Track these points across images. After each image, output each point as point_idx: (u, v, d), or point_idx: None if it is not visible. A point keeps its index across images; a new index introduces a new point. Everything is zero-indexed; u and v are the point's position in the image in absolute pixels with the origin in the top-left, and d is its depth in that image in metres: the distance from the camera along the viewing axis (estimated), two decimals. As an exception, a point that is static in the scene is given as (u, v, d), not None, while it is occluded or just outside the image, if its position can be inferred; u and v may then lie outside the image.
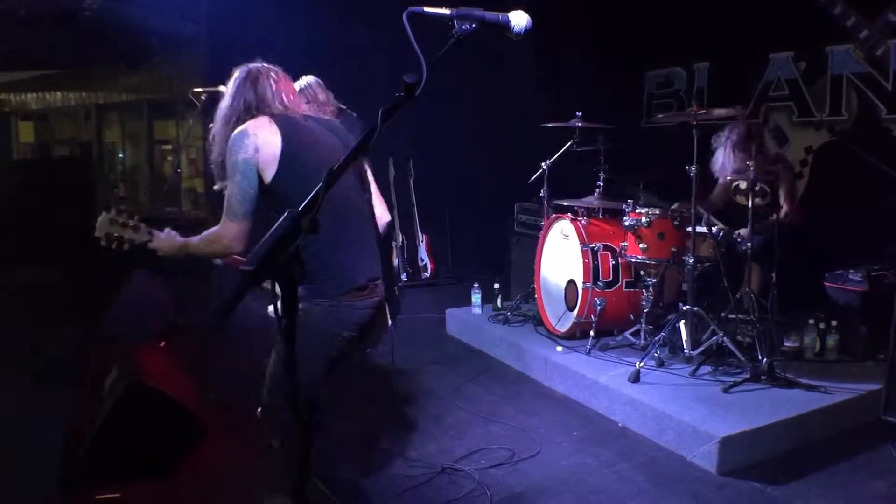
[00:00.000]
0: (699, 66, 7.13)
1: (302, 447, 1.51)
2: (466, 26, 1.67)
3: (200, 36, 7.29)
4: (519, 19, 1.75)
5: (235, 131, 2.61)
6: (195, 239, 2.69)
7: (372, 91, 6.96)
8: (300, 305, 2.34)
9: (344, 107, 5.46)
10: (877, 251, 5.13)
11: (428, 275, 7.87)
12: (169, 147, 9.67)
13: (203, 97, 5.82)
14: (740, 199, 5.41)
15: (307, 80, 5.55)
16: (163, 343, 5.03)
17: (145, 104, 10.05)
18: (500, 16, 1.74)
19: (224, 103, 2.84)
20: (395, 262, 7.82)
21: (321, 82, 5.56)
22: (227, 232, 2.62)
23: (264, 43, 6.03)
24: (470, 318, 6.27)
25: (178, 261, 2.75)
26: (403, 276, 7.79)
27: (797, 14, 5.90)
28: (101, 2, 7.05)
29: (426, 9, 1.68)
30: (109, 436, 3.41)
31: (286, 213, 1.41)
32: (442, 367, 5.42)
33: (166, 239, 2.73)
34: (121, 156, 11.26)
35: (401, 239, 7.82)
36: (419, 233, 7.87)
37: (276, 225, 1.40)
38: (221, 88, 5.75)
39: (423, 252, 7.87)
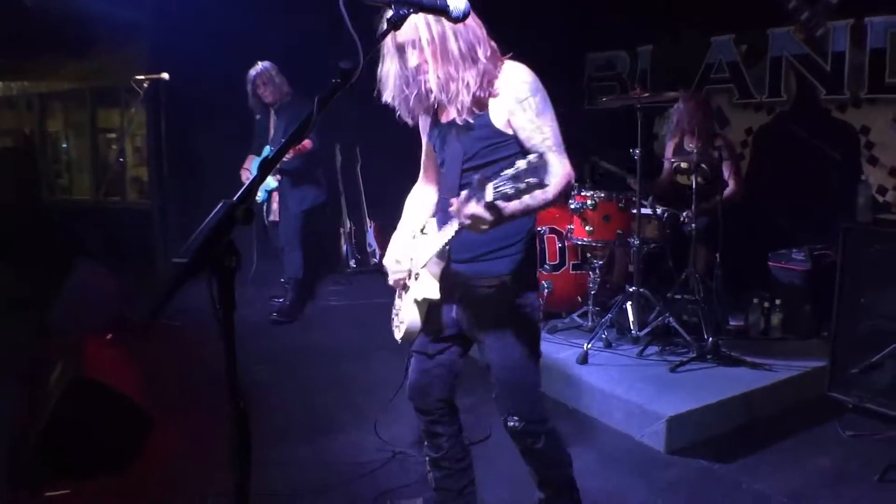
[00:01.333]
0: (642, 49, 7.16)
1: (243, 439, 1.44)
2: (403, 11, 1.66)
3: (144, 23, 7.10)
4: (457, 3, 1.74)
5: (526, 69, 2.30)
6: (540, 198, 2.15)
7: (323, 77, 6.86)
8: (518, 300, 2.43)
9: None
10: (818, 230, 5.22)
11: (377, 260, 7.79)
12: (113, 136, 9.42)
13: (146, 84, 5.69)
14: (681, 178, 5.44)
15: (262, 65, 5.76)
16: (109, 335, 4.91)
17: (88, 93, 9.79)
18: (438, 0, 1.72)
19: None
20: (344, 248, 7.74)
21: (276, 66, 5.76)
22: (568, 168, 2.29)
23: (209, 31, 5.97)
24: (419, 303, 6.21)
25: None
26: (352, 263, 7.71)
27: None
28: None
29: None
30: (56, 432, 3.33)
31: (221, 204, 1.37)
32: (391, 352, 5.31)
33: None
34: (64, 145, 10.98)
35: (349, 225, 7.74)
36: (367, 219, 7.79)
37: (211, 215, 1.35)
38: (164, 76, 5.69)
39: (371, 238, 7.79)
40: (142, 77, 5.63)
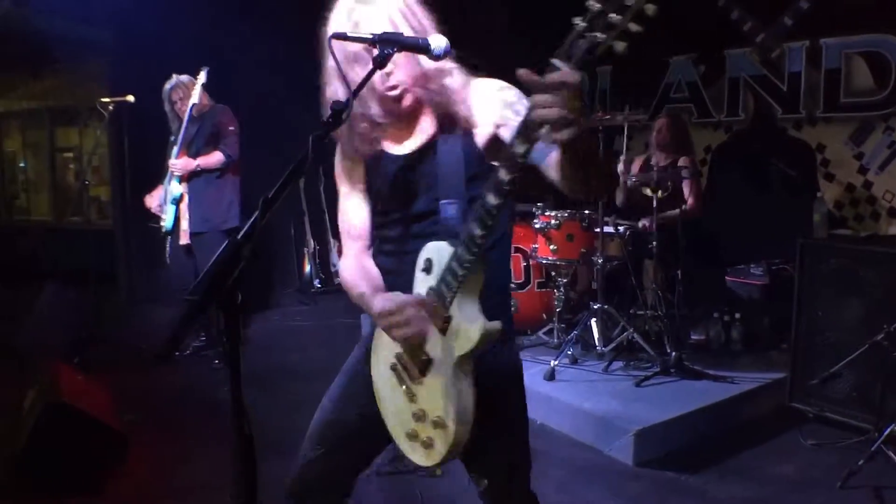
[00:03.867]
0: (601, 69, 7.28)
1: (248, 465, 1.46)
2: (388, 50, 1.68)
3: (105, 42, 7.05)
4: (438, 42, 1.77)
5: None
6: None
7: (281, 95, 6.87)
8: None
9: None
10: (776, 245, 5.34)
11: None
12: (71, 155, 9.31)
13: (111, 107, 5.63)
14: (645, 189, 5.50)
15: (178, 78, 5.43)
16: (77, 358, 4.88)
17: (46, 112, 9.67)
18: (421, 39, 1.76)
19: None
20: (308, 268, 7.72)
21: (192, 79, 5.37)
22: None
23: (170, 50, 5.95)
24: (385, 323, 6.21)
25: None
26: (317, 283, 7.69)
27: (697, 19, 6.12)
28: (5, 9, 6.74)
29: (349, 33, 1.72)
30: (32, 458, 3.37)
31: (227, 242, 1.41)
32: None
33: None
34: (22, 165, 10.81)
35: (312, 245, 7.72)
36: (331, 238, 7.78)
37: (218, 253, 1.40)
38: (129, 98, 5.63)
39: (335, 258, 7.77)
40: (107, 100, 5.57)
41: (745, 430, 4.16)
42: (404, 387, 1.85)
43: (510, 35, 6.89)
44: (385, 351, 1.91)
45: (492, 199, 1.51)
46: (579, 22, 1.30)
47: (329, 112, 1.60)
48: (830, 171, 5.40)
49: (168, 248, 5.57)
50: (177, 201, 5.42)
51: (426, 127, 1.93)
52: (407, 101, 1.87)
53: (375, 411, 1.98)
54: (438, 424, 1.73)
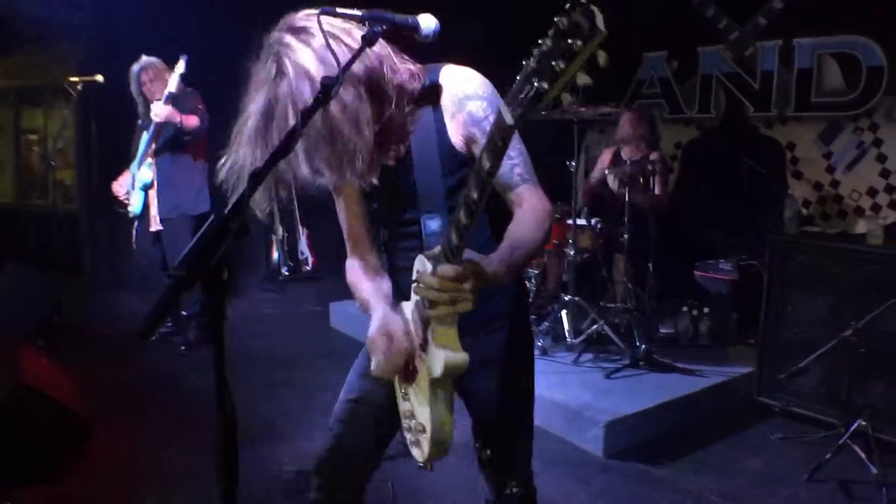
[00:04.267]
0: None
1: (230, 447, 1.42)
2: (377, 28, 1.65)
3: (77, 22, 6.89)
4: (428, 22, 1.74)
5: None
6: (525, 242, 1.69)
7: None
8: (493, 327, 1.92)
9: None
10: (744, 241, 5.41)
11: (309, 268, 7.73)
12: (36, 137, 9.08)
13: (79, 86, 5.50)
14: (614, 184, 5.52)
15: (147, 59, 5.28)
16: (41, 342, 4.78)
17: (12, 92, 9.41)
18: (410, 18, 1.73)
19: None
20: (276, 255, 7.65)
21: (161, 61, 5.27)
22: (544, 201, 1.79)
23: (142, 34, 5.81)
24: (356, 311, 6.12)
25: None
26: (284, 270, 7.62)
27: (671, 15, 6.16)
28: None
29: (339, 10, 1.67)
30: None
31: (213, 216, 1.36)
32: (329, 360, 5.33)
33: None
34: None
35: (281, 232, 7.65)
36: (300, 226, 7.72)
37: (204, 228, 1.35)
38: (98, 78, 5.50)
39: (304, 246, 7.71)
40: (76, 79, 5.44)
41: (713, 423, 4.21)
42: (402, 385, 1.90)
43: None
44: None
45: (473, 193, 1.42)
46: (529, 62, 1.22)
47: (321, 91, 1.55)
48: (799, 169, 5.48)
49: (135, 234, 5.48)
50: (146, 188, 5.33)
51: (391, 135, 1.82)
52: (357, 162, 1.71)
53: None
54: (420, 430, 1.79)
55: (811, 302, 4.14)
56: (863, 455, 3.50)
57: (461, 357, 1.64)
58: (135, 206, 5.35)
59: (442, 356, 1.63)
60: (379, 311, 1.86)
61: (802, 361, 3.95)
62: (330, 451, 2.06)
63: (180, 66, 5.02)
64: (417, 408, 1.81)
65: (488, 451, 2.02)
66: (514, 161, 1.76)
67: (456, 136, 1.78)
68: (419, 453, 1.85)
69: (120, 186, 5.41)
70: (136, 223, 5.44)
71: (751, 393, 4.38)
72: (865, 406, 3.57)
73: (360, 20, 1.66)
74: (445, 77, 1.82)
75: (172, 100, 5.08)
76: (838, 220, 5.24)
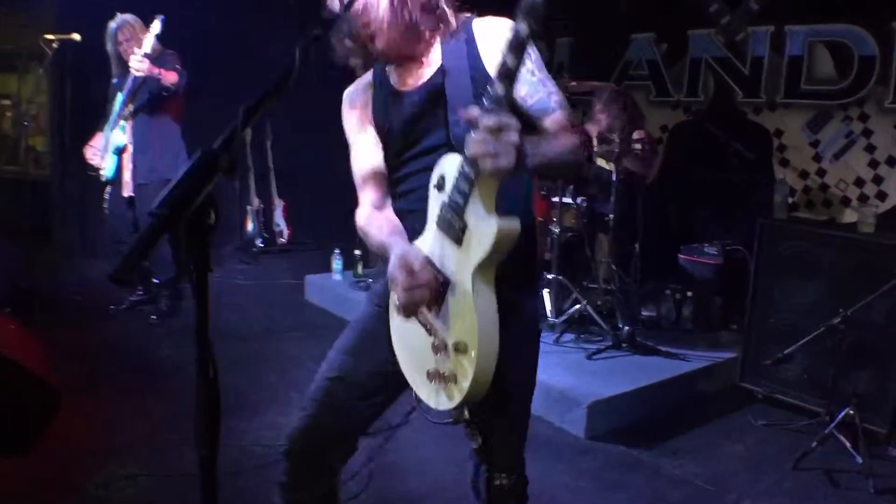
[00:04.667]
0: (561, 41, 7.19)
1: (212, 410, 1.30)
2: None
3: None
4: None
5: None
6: (558, 147, 1.69)
7: (228, 45, 6.62)
8: (508, 297, 1.69)
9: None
10: (728, 226, 5.37)
11: (284, 240, 7.60)
12: (9, 102, 8.78)
13: (55, 44, 5.27)
14: (601, 161, 5.44)
15: (123, 17, 5.06)
16: (7, 309, 4.61)
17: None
18: None
19: None
20: (251, 227, 7.49)
21: (139, 19, 5.05)
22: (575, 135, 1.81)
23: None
24: (331, 284, 6.09)
25: None
26: (259, 242, 7.48)
27: (662, -2, 6.09)
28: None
29: None
30: None
31: (199, 151, 1.23)
32: (304, 333, 5.23)
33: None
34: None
35: (256, 203, 7.50)
36: (276, 197, 7.57)
37: (190, 164, 1.21)
38: (75, 37, 5.27)
39: (279, 217, 7.58)
40: (51, 37, 5.21)
41: (696, 408, 4.18)
42: (423, 322, 1.74)
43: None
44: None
45: (499, 89, 1.47)
46: None
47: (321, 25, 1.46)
48: (786, 156, 5.43)
49: (107, 198, 5.29)
50: (119, 151, 5.13)
51: (432, 60, 1.84)
52: (379, 42, 1.77)
53: (387, 370, 1.91)
54: (460, 349, 1.63)
55: (799, 288, 4.11)
56: (848, 444, 3.48)
57: (512, 221, 1.57)
58: (107, 170, 5.16)
59: (494, 222, 1.55)
60: (397, 248, 1.76)
61: (788, 348, 3.91)
62: (302, 431, 1.98)
63: (156, 27, 4.78)
64: (452, 327, 1.66)
65: (481, 439, 1.90)
66: (551, 89, 1.78)
67: (490, 63, 1.75)
68: (454, 394, 1.68)
69: (93, 153, 5.19)
70: (108, 187, 5.25)
71: (733, 378, 4.34)
72: (853, 395, 3.53)
73: None
74: (478, 20, 1.84)
75: (150, 61, 4.88)
76: (823, 209, 5.20)
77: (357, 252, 6.06)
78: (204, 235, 1.22)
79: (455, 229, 1.63)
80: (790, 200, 5.19)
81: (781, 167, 5.44)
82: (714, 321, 5.12)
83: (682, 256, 5.32)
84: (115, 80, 5.19)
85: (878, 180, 4.91)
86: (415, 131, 1.85)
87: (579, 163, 1.76)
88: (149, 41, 4.76)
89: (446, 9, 1.80)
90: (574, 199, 5.08)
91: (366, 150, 1.98)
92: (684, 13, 5.97)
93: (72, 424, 3.45)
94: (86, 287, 5.86)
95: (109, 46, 5.08)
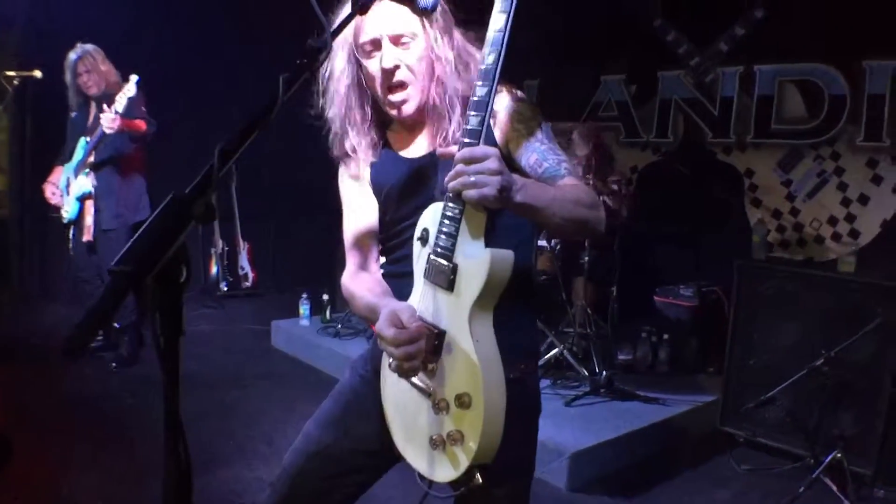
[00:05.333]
0: (529, 83, 7.18)
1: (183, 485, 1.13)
2: None
3: (14, 18, 6.49)
4: None
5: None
6: (557, 192, 1.57)
7: (199, 76, 6.52)
8: (511, 375, 1.54)
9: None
10: (701, 267, 5.33)
11: (249, 284, 7.41)
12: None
13: (16, 81, 5.11)
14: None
15: (84, 47, 4.91)
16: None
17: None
18: None
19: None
20: (214, 270, 7.30)
21: (101, 51, 4.94)
22: (590, 189, 1.74)
23: (86, 27, 5.47)
24: (298, 330, 5.93)
25: None
26: (223, 286, 7.28)
27: (630, 39, 6.09)
28: None
29: None
30: None
31: (170, 196, 1.07)
32: (270, 382, 5.06)
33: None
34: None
35: (220, 245, 7.31)
36: (241, 240, 7.40)
37: (159, 211, 1.05)
38: (36, 73, 5.12)
39: (244, 260, 7.39)
40: (12, 73, 5.06)
41: (678, 453, 4.08)
42: (421, 386, 1.61)
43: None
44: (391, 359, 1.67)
45: (473, 121, 1.48)
46: None
47: (307, 56, 1.33)
48: (758, 196, 5.42)
49: (71, 240, 5.10)
50: (83, 198, 4.98)
51: (435, 129, 1.77)
52: (407, 108, 1.73)
53: (371, 447, 1.80)
54: (464, 403, 1.49)
55: (779, 329, 4.05)
56: (835, 488, 3.40)
57: (505, 252, 1.51)
58: (69, 213, 5.00)
59: (486, 253, 1.48)
60: (385, 307, 1.64)
61: (768, 390, 3.85)
62: None
63: (130, 90, 4.60)
64: (452, 382, 1.52)
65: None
66: (561, 157, 1.70)
67: (499, 133, 1.73)
68: (460, 457, 1.50)
69: (52, 190, 5.04)
70: (72, 228, 5.08)
71: (715, 422, 4.25)
72: (840, 438, 3.46)
73: None
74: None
75: (100, 102, 4.80)
76: (797, 248, 5.18)
77: (325, 296, 5.92)
78: (174, 296, 1.05)
79: (445, 274, 1.54)
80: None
81: (754, 207, 5.43)
82: (691, 364, 5.03)
83: (657, 298, 5.25)
84: (73, 115, 5.06)
85: (851, 218, 4.90)
86: (412, 198, 1.78)
87: (593, 221, 1.61)
88: (122, 101, 4.59)
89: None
90: (548, 241, 5.00)
91: (359, 212, 1.92)
92: (654, 54, 5.98)
93: (23, 474, 3.29)
94: (44, 331, 5.65)
95: (68, 77, 4.93)
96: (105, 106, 4.64)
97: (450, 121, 1.72)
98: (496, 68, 1.47)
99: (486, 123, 1.48)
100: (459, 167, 1.40)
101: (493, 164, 1.38)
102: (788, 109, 5.24)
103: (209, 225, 7.22)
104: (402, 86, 1.70)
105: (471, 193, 1.37)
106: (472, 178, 1.37)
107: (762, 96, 5.35)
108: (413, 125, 1.81)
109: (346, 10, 1.57)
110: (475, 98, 1.49)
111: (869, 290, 3.71)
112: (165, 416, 1.06)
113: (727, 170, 5.60)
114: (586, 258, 4.79)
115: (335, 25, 1.40)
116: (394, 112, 1.75)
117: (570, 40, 6.36)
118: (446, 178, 1.43)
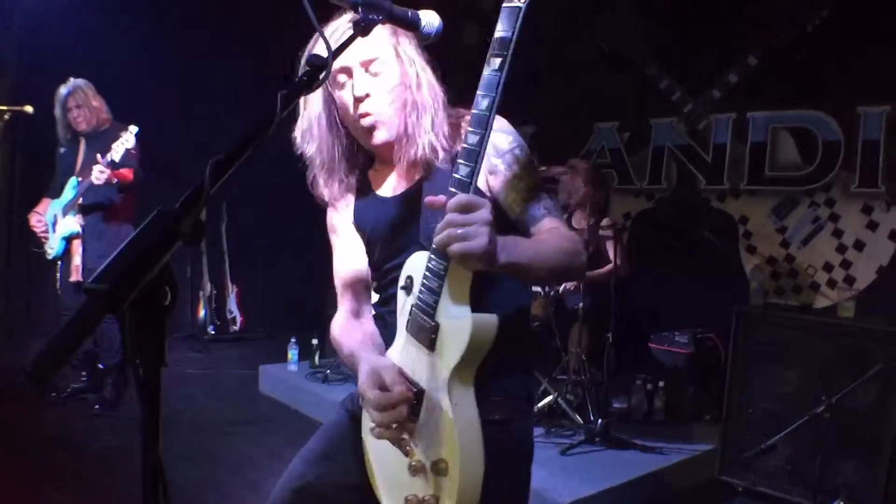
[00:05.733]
0: (524, 130, 7.20)
1: None
2: (373, 16, 1.42)
3: (6, 55, 6.50)
4: (431, 19, 1.55)
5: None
6: (539, 246, 1.56)
7: (189, 113, 6.51)
8: (497, 417, 1.57)
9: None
10: (699, 314, 5.27)
11: (237, 328, 7.32)
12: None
13: (6, 116, 5.07)
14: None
15: (75, 82, 4.88)
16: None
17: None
18: (410, 12, 1.52)
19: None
20: (202, 313, 7.20)
21: (92, 86, 4.90)
22: (570, 231, 1.74)
23: (77, 64, 5.47)
24: (286, 375, 5.82)
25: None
26: (211, 329, 7.18)
27: (624, 86, 6.13)
28: None
29: None
30: None
31: (155, 212, 0.97)
32: (257, 428, 4.93)
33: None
34: None
35: (209, 288, 7.24)
36: (229, 283, 7.32)
37: (142, 227, 0.95)
38: (28, 109, 5.09)
39: (232, 303, 7.32)
40: (3, 108, 5.03)
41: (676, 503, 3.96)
42: (398, 443, 1.55)
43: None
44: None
45: (462, 171, 1.43)
46: None
47: (308, 72, 1.28)
48: (753, 243, 5.40)
49: (59, 277, 5.02)
50: (69, 237, 4.92)
51: (413, 165, 1.73)
52: (379, 135, 1.68)
53: (358, 483, 1.73)
54: (440, 470, 1.44)
55: (777, 376, 3.97)
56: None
57: (488, 316, 1.43)
58: (54, 250, 4.93)
59: (468, 318, 1.41)
60: (366, 363, 1.59)
61: (768, 438, 3.76)
62: None
63: (129, 140, 4.55)
64: (429, 445, 1.47)
65: None
66: (542, 195, 1.69)
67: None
68: None
69: (37, 219, 4.98)
70: (59, 263, 5.00)
71: (713, 471, 4.15)
72: (842, 486, 3.37)
73: (352, 5, 1.42)
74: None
75: (97, 135, 4.81)
76: (793, 295, 5.14)
77: (314, 341, 5.83)
78: (157, 322, 0.95)
79: (426, 332, 1.48)
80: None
81: (749, 254, 5.41)
82: (687, 412, 4.95)
83: (652, 345, 5.19)
84: (62, 150, 5.02)
85: (846, 265, 4.88)
86: (394, 239, 1.75)
87: (575, 267, 1.61)
88: (119, 150, 4.54)
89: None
90: (542, 287, 4.94)
91: (348, 255, 1.88)
92: (646, 101, 6.02)
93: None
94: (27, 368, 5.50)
95: (58, 111, 4.89)
96: (98, 156, 4.58)
97: (424, 153, 1.68)
98: (490, 115, 1.41)
99: (475, 174, 1.41)
100: (450, 217, 1.33)
101: (485, 213, 1.33)
102: (782, 156, 5.26)
103: (198, 267, 7.16)
104: (374, 113, 1.67)
105: (455, 248, 1.31)
106: (460, 231, 1.31)
107: (756, 143, 5.37)
108: (389, 160, 1.76)
109: (336, 30, 1.59)
110: (465, 146, 1.43)
111: (870, 336, 3.65)
112: (144, 455, 0.98)
113: (721, 216, 5.59)
114: (581, 304, 4.73)
115: (334, 47, 1.34)
116: (367, 140, 1.71)
117: (563, 86, 6.40)
118: (436, 231, 1.36)
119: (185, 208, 1.00)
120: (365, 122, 1.67)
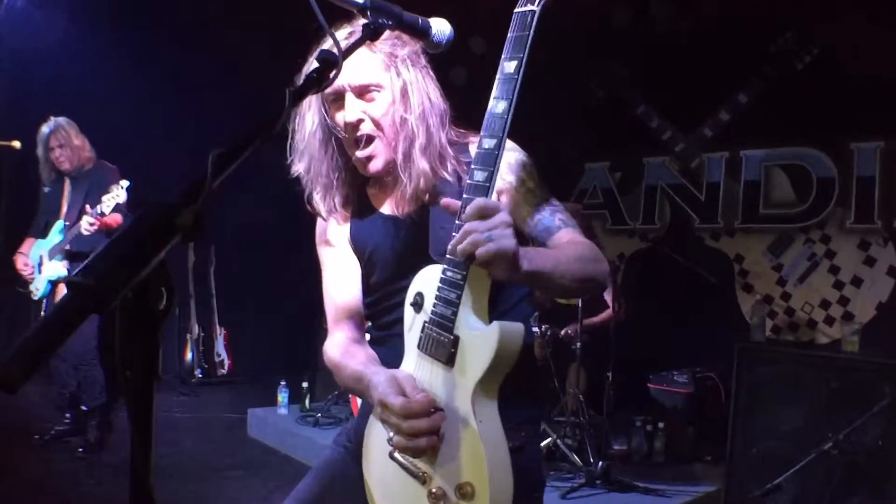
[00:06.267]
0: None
1: None
2: (383, 20, 1.37)
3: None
4: (441, 27, 1.50)
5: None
6: (559, 255, 1.50)
7: (175, 150, 6.46)
8: (512, 444, 1.41)
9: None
10: (697, 353, 5.21)
11: (225, 371, 7.19)
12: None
13: None
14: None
15: (57, 121, 4.79)
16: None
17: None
18: (421, 20, 1.47)
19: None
20: (189, 356, 7.07)
21: (74, 124, 4.82)
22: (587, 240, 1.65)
23: (65, 98, 5.43)
24: (276, 419, 5.68)
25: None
26: (198, 372, 7.04)
27: (614, 125, 6.13)
28: None
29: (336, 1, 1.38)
30: None
31: (148, 204, 0.86)
32: (246, 472, 4.80)
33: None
34: None
35: (196, 331, 7.12)
36: (217, 326, 7.21)
37: (134, 220, 0.85)
38: (15, 143, 5.02)
39: (220, 347, 7.20)
40: None
41: (682, 547, 3.86)
42: (412, 470, 1.44)
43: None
44: (377, 439, 1.54)
45: (478, 176, 1.39)
46: None
47: (317, 69, 1.23)
48: (749, 281, 5.37)
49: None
50: (55, 281, 4.83)
51: (418, 184, 1.64)
52: (374, 165, 1.64)
53: None
54: (466, 494, 1.34)
55: (782, 413, 3.91)
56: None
57: (514, 324, 1.36)
58: (39, 291, 4.83)
59: (494, 326, 1.34)
60: (382, 373, 1.50)
61: (773, 477, 3.67)
62: None
63: (120, 195, 4.46)
64: (452, 469, 1.37)
65: None
66: (556, 207, 1.64)
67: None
68: None
69: (24, 261, 4.89)
70: (44, 302, 4.89)
71: (718, 512, 4.06)
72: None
73: (361, 9, 1.36)
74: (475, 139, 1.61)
75: (81, 175, 4.78)
76: (790, 333, 5.10)
77: (305, 384, 5.71)
78: (150, 326, 0.83)
79: (445, 347, 1.41)
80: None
81: (745, 292, 5.36)
82: (687, 452, 4.85)
83: (652, 386, 5.11)
84: (46, 190, 4.93)
85: (844, 301, 4.85)
86: (400, 259, 1.68)
87: (598, 274, 1.53)
88: (109, 203, 4.46)
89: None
90: (539, 327, 4.88)
91: (339, 275, 1.81)
92: (638, 140, 6.02)
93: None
94: (9, 412, 5.35)
95: (40, 151, 4.81)
96: (88, 207, 4.52)
97: (420, 180, 1.62)
98: (507, 118, 1.40)
99: (493, 177, 1.38)
100: (470, 224, 1.28)
101: (505, 216, 1.29)
102: (776, 193, 5.25)
103: (185, 310, 7.05)
104: (368, 140, 1.61)
105: (482, 251, 1.25)
106: (484, 236, 1.25)
107: (749, 181, 5.37)
108: (391, 180, 1.70)
109: (345, 35, 1.52)
110: (480, 150, 1.40)
111: (875, 370, 3.61)
112: (132, 482, 0.87)
113: (716, 255, 5.56)
114: (578, 344, 4.66)
115: (344, 48, 1.29)
116: (363, 168, 1.66)
117: (553, 127, 6.41)
118: (455, 240, 1.31)
119: (184, 200, 0.88)
120: (360, 152, 1.62)
